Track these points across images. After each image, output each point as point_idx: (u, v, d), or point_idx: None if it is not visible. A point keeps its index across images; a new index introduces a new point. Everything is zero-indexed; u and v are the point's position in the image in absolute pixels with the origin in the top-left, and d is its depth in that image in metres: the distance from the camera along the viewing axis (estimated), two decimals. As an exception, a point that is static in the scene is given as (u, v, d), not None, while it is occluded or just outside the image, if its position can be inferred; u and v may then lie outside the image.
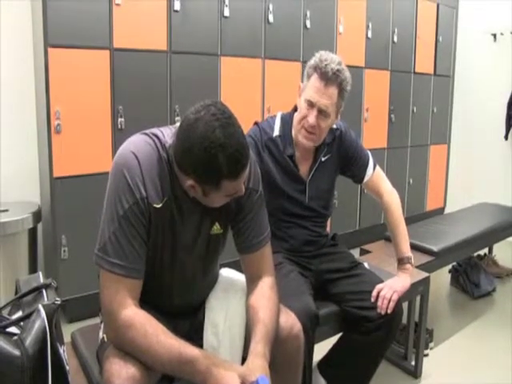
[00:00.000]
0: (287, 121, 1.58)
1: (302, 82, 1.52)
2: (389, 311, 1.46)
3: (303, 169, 1.59)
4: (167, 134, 1.06)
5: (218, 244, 1.18)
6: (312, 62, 1.46)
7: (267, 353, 1.01)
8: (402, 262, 1.63)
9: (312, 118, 1.44)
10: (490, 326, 2.41)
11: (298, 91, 1.54)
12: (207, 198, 1.02)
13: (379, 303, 1.46)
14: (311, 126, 1.46)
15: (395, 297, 1.47)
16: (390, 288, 1.49)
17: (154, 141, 1.04)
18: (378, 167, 1.69)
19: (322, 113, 1.45)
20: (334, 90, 1.43)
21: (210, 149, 0.91)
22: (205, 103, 0.96)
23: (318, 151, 1.59)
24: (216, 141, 0.91)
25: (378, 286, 1.49)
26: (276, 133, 1.56)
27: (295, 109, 1.58)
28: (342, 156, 1.63)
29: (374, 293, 1.48)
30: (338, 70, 1.42)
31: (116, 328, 0.96)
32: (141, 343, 0.94)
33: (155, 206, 1.02)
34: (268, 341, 1.03)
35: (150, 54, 2.35)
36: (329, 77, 1.41)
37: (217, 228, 1.14)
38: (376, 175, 1.67)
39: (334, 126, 1.62)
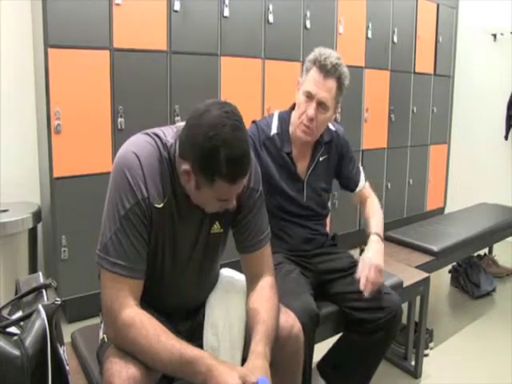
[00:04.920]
0: (285, 118, 1.59)
1: (301, 77, 1.53)
2: (374, 288, 1.42)
3: (301, 167, 1.60)
4: (168, 133, 1.06)
5: (219, 243, 1.18)
6: (311, 56, 1.48)
7: (268, 353, 1.01)
8: (370, 234, 1.56)
9: (311, 111, 1.45)
10: (490, 326, 2.41)
11: (296, 86, 1.54)
12: (199, 193, 1.00)
13: (368, 287, 1.41)
14: (310, 119, 1.46)
15: (381, 277, 1.43)
16: (374, 266, 1.42)
17: (155, 140, 1.04)
18: (367, 181, 1.73)
19: (320, 105, 1.46)
20: (332, 83, 1.45)
21: (215, 140, 0.91)
22: (218, 101, 0.97)
23: (316, 150, 1.60)
24: (222, 135, 0.91)
25: (361, 273, 1.43)
26: (274, 131, 1.57)
27: (293, 107, 1.58)
28: (338, 157, 1.65)
29: (362, 280, 1.42)
30: (336, 64, 1.44)
31: (117, 328, 0.96)
32: (142, 343, 0.93)
33: (156, 205, 1.02)
34: (268, 341, 1.03)
35: (149, 54, 2.35)
36: (328, 69, 1.43)
37: (217, 227, 1.14)
38: (367, 188, 1.71)
39: (333, 128, 1.63)
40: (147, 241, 1.03)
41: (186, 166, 0.96)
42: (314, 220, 1.64)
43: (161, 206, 1.02)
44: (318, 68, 1.45)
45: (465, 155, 4.19)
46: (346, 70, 1.48)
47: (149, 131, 1.07)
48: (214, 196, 0.99)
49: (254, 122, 1.62)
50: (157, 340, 0.93)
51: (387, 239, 2.19)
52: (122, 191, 0.99)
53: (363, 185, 1.70)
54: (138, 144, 1.03)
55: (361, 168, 1.73)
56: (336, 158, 1.65)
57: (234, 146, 0.92)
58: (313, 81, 1.45)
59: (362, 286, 1.42)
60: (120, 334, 0.96)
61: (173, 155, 1.03)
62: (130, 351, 0.95)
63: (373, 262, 1.44)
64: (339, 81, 1.46)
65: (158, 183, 1.02)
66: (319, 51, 1.47)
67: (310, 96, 1.46)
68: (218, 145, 0.91)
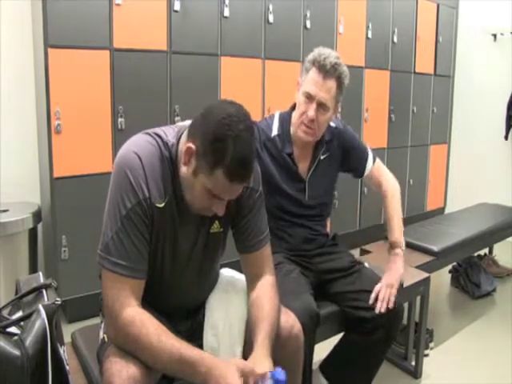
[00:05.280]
0: (286, 119, 1.59)
1: (301, 77, 1.53)
2: (390, 306, 1.46)
3: (302, 167, 1.60)
4: (169, 133, 1.06)
5: (218, 243, 1.18)
6: (310, 56, 1.48)
7: (270, 350, 1.01)
8: (393, 245, 1.64)
9: (311, 112, 1.45)
10: (490, 326, 2.41)
11: (296, 86, 1.54)
12: (193, 181, 0.98)
13: (378, 305, 1.46)
14: (310, 120, 1.46)
15: (394, 292, 1.48)
16: (387, 286, 1.49)
17: (156, 140, 1.04)
18: (378, 160, 1.72)
19: (321, 106, 1.45)
20: (332, 83, 1.44)
21: (228, 131, 0.91)
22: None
23: (317, 149, 1.60)
24: (236, 130, 0.91)
25: (376, 288, 1.49)
26: (274, 132, 1.57)
27: (293, 107, 1.58)
28: (341, 153, 1.65)
29: (373, 295, 1.48)
30: (336, 64, 1.43)
31: (117, 327, 0.96)
32: (142, 343, 0.93)
33: (158, 205, 1.02)
34: (271, 338, 1.04)
35: (149, 54, 2.35)
36: (327, 69, 1.43)
37: (216, 226, 1.14)
38: (376, 168, 1.70)
39: (333, 125, 1.62)
40: (148, 240, 1.03)
41: (190, 145, 0.96)
42: (314, 220, 1.64)
43: (162, 205, 1.02)
44: (317, 68, 1.44)
45: (465, 155, 4.19)
46: (345, 69, 1.47)
47: (150, 131, 1.07)
48: (207, 188, 0.97)
49: (254, 123, 1.61)
50: (157, 340, 0.93)
51: (387, 239, 2.18)
52: (123, 191, 0.99)
53: (371, 167, 1.69)
54: (139, 144, 1.03)
55: (368, 149, 1.70)
56: (340, 154, 1.64)
57: (244, 144, 0.93)
58: (312, 81, 1.45)
59: (371, 301, 1.47)
60: (121, 333, 0.96)
61: (174, 155, 1.03)
62: (131, 350, 0.95)
63: (384, 282, 1.51)
64: (339, 80, 1.46)
65: (159, 183, 1.02)
66: (318, 51, 1.46)
67: (309, 97, 1.46)
68: (229, 135, 0.91)
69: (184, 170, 1.00)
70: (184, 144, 0.99)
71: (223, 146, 0.91)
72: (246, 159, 0.94)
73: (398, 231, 1.64)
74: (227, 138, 0.91)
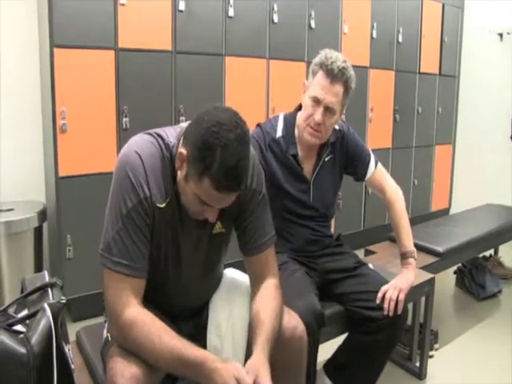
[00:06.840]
0: (290, 121, 1.58)
1: (307, 79, 1.52)
2: (398, 312, 1.46)
3: (307, 168, 1.60)
4: (171, 133, 1.06)
5: (221, 243, 1.18)
6: (317, 59, 1.47)
7: (269, 354, 1.01)
8: (404, 256, 1.63)
9: (318, 116, 1.45)
10: (495, 328, 2.39)
11: (302, 88, 1.54)
12: (185, 186, 0.98)
13: (385, 305, 1.45)
14: (317, 124, 1.46)
15: (402, 297, 1.47)
16: (395, 288, 1.48)
17: (157, 140, 1.04)
18: (379, 165, 1.70)
19: (328, 110, 1.45)
20: (339, 88, 1.44)
21: (215, 139, 0.90)
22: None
23: (322, 151, 1.60)
24: (222, 139, 0.90)
25: (383, 288, 1.49)
26: (279, 133, 1.57)
27: (299, 108, 1.58)
28: (344, 155, 1.64)
29: (380, 294, 1.47)
30: (343, 68, 1.43)
31: (119, 327, 0.97)
32: (143, 342, 0.94)
33: (159, 205, 1.02)
34: (271, 342, 1.03)
35: (154, 54, 2.36)
36: (335, 74, 1.42)
37: (219, 227, 1.13)
38: (378, 172, 1.68)
39: (337, 127, 1.62)
40: (149, 240, 1.03)
41: (182, 150, 0.96)
42: (319, 221, 1.63)
43: (163, 205, 1.02)
44: (324, 72, 1.44)
45: (470, 156, 4.17)
46: (352, 73, 1.47)
47: (151, 131, 1.07)
48: (197, 194, 0.97)
49: (258, 125, 1.61)
50: (158, 339, 0.93)
51: (392, 240, 2.18)
52: (124, 190, 0.99)
53: (372, 171, 1.67)
54: (141, 144, 1.03)
55: (371, 153, 1.67)
56: (343, 156, 1.64)
57: (232, 154, 0.90)
58: (319, 85, 1.44)
59: (378, 301, 1.47)
60: (122, 333, 0.97)
61: (174, 156, 1.03)
62: (133, 350, 0.96)
63: (392, 284, 1.51)
64: (346, 84, 1.45)
65: (160, 183, 1.02)
66: (325, 54, 1.45)
67: (316, 101, 1.45)
68: (217, 144, 0.90)
69: (179, 173, 1.00)
70: (179, 148, 0.99)
71: (210, 154, 0.90)
72: (232, 170, 0.91)
73: (407, 242, 1.63)
74: (215, 147, 0.90)
